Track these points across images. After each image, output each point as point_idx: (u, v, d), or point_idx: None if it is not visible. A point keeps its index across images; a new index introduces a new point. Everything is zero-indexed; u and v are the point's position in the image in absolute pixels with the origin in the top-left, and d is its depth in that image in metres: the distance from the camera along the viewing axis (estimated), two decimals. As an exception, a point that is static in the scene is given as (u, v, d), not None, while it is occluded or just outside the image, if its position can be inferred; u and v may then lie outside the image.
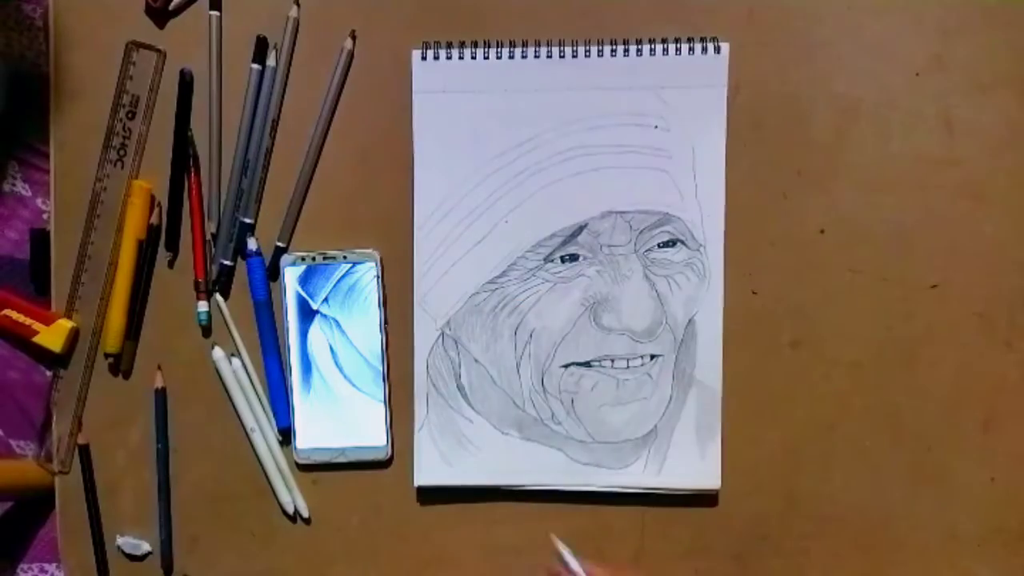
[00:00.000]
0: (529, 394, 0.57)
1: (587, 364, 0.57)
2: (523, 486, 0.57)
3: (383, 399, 0.58)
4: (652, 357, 0.57)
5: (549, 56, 0.56)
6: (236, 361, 0.59)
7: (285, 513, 0.59)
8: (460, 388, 0.57)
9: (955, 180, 0.56)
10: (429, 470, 0.57)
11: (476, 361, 0.57)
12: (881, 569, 0.57)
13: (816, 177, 0.57)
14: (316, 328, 0.58)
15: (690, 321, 0.56)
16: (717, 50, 0.56)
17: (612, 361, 0.57)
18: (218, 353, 0.58)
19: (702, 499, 0.57)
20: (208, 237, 0.58)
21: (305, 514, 0.59)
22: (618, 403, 0.57)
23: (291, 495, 0.59)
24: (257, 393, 0.59)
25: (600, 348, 0.57)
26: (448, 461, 0.57)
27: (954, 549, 0.57)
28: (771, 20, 0.56)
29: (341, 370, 0.58)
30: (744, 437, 0.57)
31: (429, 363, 0.57)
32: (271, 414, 0.58)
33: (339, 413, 0.58)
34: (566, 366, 0.57)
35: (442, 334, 0.57)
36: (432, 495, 0.58)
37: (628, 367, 0.57)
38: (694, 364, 0.56)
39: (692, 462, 0.57)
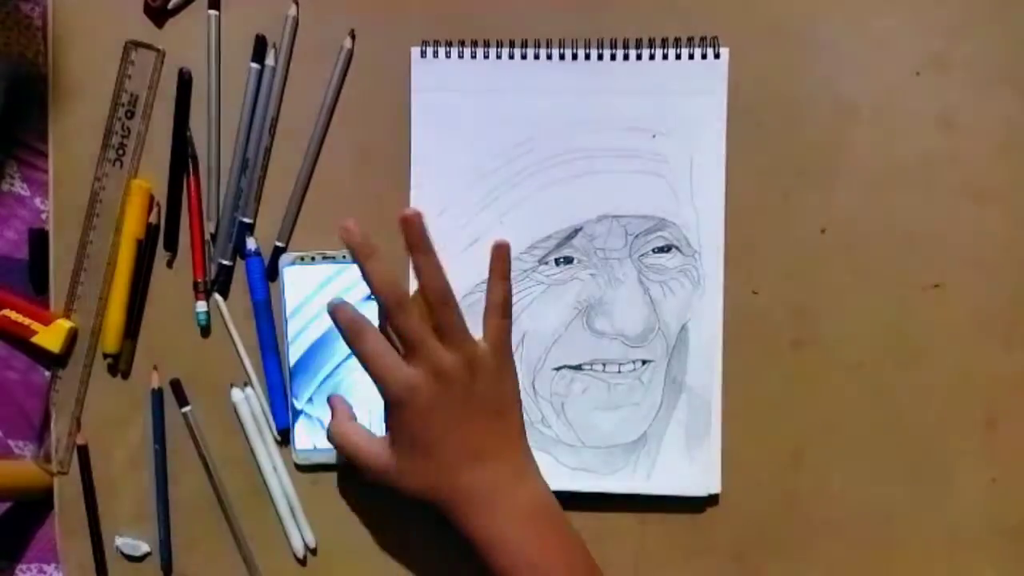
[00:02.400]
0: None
1: (579, 368, 0.57)
2: None
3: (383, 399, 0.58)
4: (644, 362, 0.57)
5: (549, 57, 0.56)
6: (255, 402, 0.59)
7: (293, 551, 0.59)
8: (450, 389, 0.57)
9: (955, 180, 0.56)
10: None
11: (467, 362, 0.57)
12: (881, 569, 0.57)
13: (816, 177, 0.57)
14: (316, 328, 0.58)
15: (683, 328, 0.56)
16: (716, 55, 0.56)
17: (604, 365, 0.57)
18: (237, 395, 0.58)
19: (701, 500, 0.57)
20: (207, 237, 0.58)
21: (312, 545, 0.59)
22: (609, 408, 0.57)
23: (302, 535, 0.59)
24: (269, 423, 0.59)
25: (592, 352, 0.56)
26: None
27: (955, 549, 0.57)
28: (771, 20, 0.56)
29: (340, 370, 0.58)
30: (744, 437, 0.57)
31: (420, 364, 0.57)
32: (271, 419, 0.58)
33: (338, 413, 0.58)
34: (558, 369, 0.57)
35: (433, 334, 0.57)
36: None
37: (620, 372, 0.57)
38: (685, 371, 0.56)
39: (681, 468, 0.56)
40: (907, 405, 0.57)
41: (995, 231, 0.56)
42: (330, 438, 0.54)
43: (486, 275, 0.56)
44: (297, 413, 0.58)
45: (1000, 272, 0.56)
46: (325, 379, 0.58)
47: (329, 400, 0.56)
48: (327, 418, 0.57)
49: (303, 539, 0.58)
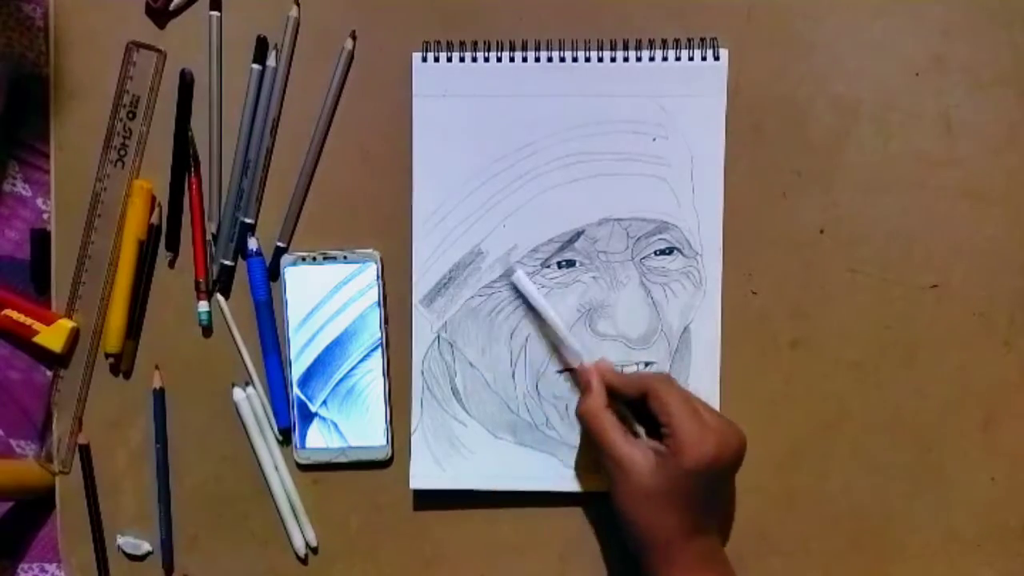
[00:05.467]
0: (523, 399, 0.57)
1: None
2: (515, 490, 0.57)
3: (383, 399, 0.58)
4: (647, 364, 0.57)
5: (550, 60, 0.56)
6: (256, 401, 0.59)
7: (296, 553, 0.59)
8: (455, 392, 0.57)
9: (955, 180, 0.56)
10: (423, 473, 0.57)
11: (471, 365, 0.57)
12: (881, 569, 0.57)
13: (816, 177, 0.57)
14: (329, 331, 0.58)
15: (685, 329, 0.56)
16: (716, 56, 0.56)
17: None
18: (239, 395, 0.58)
19: (702, 499, 0.57)
20: (208, 237, 0.58)
21: (313, 544, 0.59)
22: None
23: (303, 533, 0.59)
24: (271, 423, 0.59)
25: (595, 354, 0.56)
26: (441, 465, 0.57)
27: (954, 549, 0.57)
28: (771, 20, 0.56)
29: (341, 370, 0.58)
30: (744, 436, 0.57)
31: (424, 366, 0.57)
32: (272, 418, 0.58)
33: (339, 413, 0.58)
34: (561, 371, 0.57)
35: (438, 337, 0.57)
36: (430, 497, 0.58)
37: None
38: (688, 372, 0.56)
39: None
40: (906, 405, 0.57)
41: (995, 231, 0.56)
42: (580, 414, 0.53)
43: (488, 279, 0.56)
44: (311, 415, 0.58)
45: (1000, 272, 0.56)
46: (339, 382, 0.58)
47: (582, 372, 0.54)
48: (341, 420, 0.58)
49: (304, 538, 0.59)
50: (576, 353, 0.55)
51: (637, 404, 0.52)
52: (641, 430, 0.52)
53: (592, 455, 0.54)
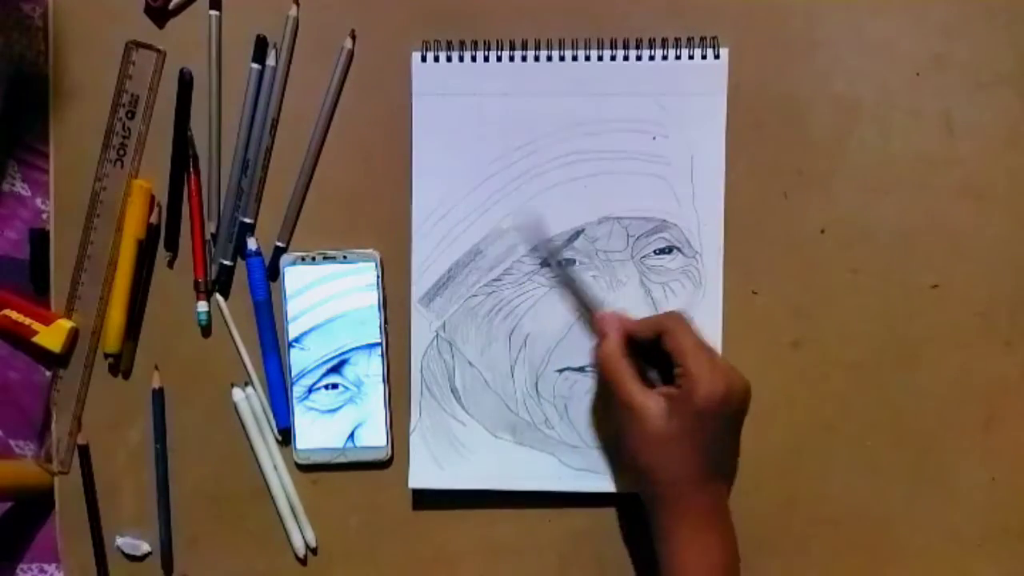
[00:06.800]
0: (523, 398, 0.57)
1: (581, 369, 0.57)
2: (515, 490, 0.57)
3: (383, 399, 0.58)
4: None
5: (549, 59, 0.56)
6: (255, 402, 0.59)
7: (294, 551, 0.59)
8: (454, 391, 0.57)
9: (955, 180, 0.56)
10: (422, 473, 0.57)
11: (470, 364, 0.57)
12: (881, 569, 0.57)
13: (816, 177, 0.57)
14: (319, 327, 0.58)
15: None
16: (716, 55, 0.56)
17: None
18: (238, 395, 0.58)
19: (702, 499, 0.57)
20: (208, 237, 0.58)
21: (313, 545, 0.59)
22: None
23: (302, 534, 0.59)
24: (270, 423, 0.59)
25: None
26: (440, 464, 0.57)
27: (955, 549, 0.57)
28: (771, 20, 0.56)
29: (341, 370, 0.58)
30: (744, 437, 0.57)
31: (423, 365, 0.57)
32: (271, 418, 0.58)
33: (339, 413, 0.58)
34: (561, 371, 0.57)
35: (437, 336, 0.57)
36: (429, 497, 0.58)
37: None
38: None
39: None
40: (907, 405, 0.57)
41: (995, 231, 0.56)
42: (598, 359, 0.52)
43: (487, 278, 0.57)
44: (304, 411, 0.58)
45: (1000, 272, 0.56)
46: (326, 378, 0.58)
47: (601, 318, 0.54)
48: (328, 416, 0.58)
49: (303, 538, 0.59)
50: (595, 301, 0.55)
51: (650, 348, 0.52)
52: (655, 374, 0.52)
53: (602, 441, 0.55)
